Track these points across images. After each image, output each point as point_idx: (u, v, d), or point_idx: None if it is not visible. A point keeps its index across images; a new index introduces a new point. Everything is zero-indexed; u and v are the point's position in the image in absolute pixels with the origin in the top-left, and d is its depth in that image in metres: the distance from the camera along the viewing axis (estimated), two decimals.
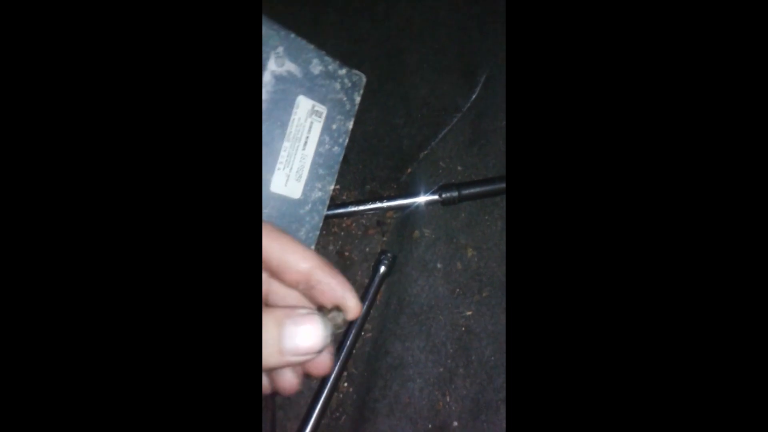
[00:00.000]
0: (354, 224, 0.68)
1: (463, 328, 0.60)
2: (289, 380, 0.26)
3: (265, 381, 0.27)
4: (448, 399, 0.57)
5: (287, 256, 0.25)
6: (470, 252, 0.63)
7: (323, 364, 0.26)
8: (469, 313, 0.61)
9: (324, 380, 0.59)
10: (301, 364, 0.25)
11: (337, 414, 0.61)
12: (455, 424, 0.57)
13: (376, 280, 0.62)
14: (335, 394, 0.60)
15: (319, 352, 0.23)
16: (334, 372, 0.59)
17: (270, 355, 0.22)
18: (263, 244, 0.24)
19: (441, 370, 0.58)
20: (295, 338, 0.22)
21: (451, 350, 0.59)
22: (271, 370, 0.26)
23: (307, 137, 0.53)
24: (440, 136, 0.69)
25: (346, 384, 0.62)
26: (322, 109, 0.53)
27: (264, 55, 0.48)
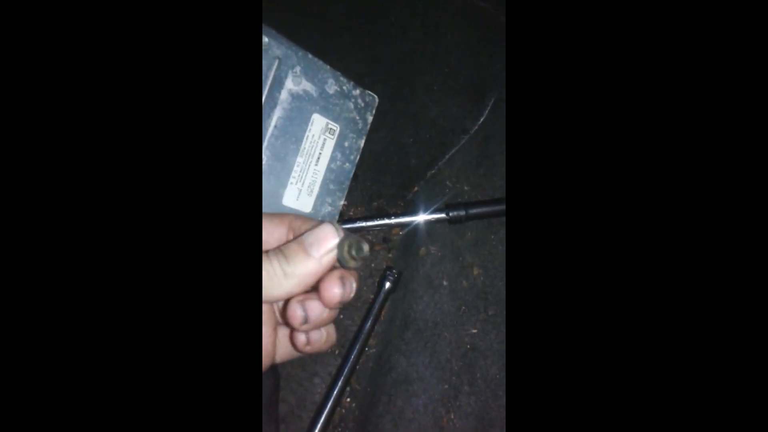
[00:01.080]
0: None
1: (469, 346, 0.61)
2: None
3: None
4: (452, 416, 0.57)
5: (268, 226, 0.30)
6: (476, 270, 0.64)
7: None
8: (475, 331, 0.61)
9: (327, 395, 0.59)
10: (330, 263, 0.28)
11: (340, 429, 0.61)
12: None
13: (381, 295, 0.62)
14: (338, 409, 0.60)
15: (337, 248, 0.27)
16: (337, 387, 0.59)
17: (277, 283, 0.26)
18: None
19: (446, 386, 0.59)
20: (310, 236, 0.27)
21: (456, 367, 0.59)
22: (285, 297, 0.28)
23: (320, 153, 0.54)
24: (448, 156, 0.70)
25: (348, 399, 0.62)
26: (336, 127, 0.55)
27: (282, 74, 0.50)
